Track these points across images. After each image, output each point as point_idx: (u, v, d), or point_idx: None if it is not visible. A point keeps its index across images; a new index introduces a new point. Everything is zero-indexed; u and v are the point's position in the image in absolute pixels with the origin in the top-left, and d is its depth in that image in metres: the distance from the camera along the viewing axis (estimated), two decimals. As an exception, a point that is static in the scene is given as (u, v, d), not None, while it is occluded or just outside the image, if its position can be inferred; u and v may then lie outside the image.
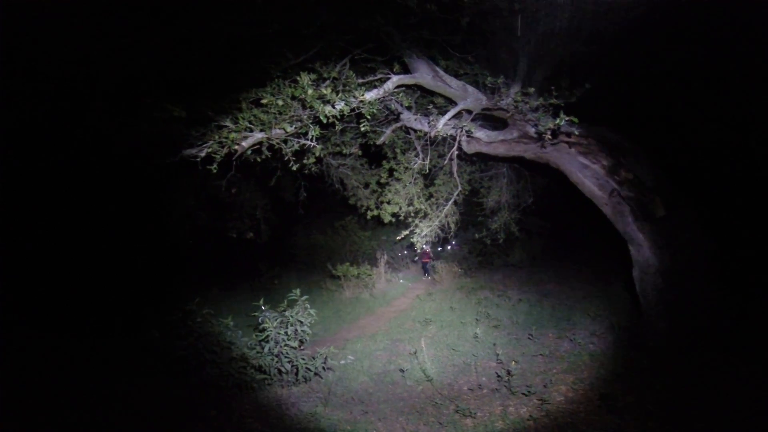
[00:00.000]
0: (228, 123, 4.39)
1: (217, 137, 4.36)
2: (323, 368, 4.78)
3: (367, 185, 9.63)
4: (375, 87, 5.46)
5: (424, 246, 11.49)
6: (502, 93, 6.34)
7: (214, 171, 4.75)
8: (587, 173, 6.43)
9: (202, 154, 4.54)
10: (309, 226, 14.76)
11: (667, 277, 5.46)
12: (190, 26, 3.96)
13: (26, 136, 3.78)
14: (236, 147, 4.54)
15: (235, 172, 9.57)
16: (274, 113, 4.48)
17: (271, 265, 12.80)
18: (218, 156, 4.52)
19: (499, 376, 5.09)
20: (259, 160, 5.19)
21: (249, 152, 5.18)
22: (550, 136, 5.56)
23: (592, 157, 6.31)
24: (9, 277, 4.87)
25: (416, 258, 14.84)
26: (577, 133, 5.64)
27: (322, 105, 4.33)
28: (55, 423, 3.32)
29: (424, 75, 5.97)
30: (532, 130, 6.53)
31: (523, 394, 4.64)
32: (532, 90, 5.97)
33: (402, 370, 5.27)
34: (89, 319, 5.73)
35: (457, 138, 7.57)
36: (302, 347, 4.76)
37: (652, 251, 5.74)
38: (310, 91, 4.18)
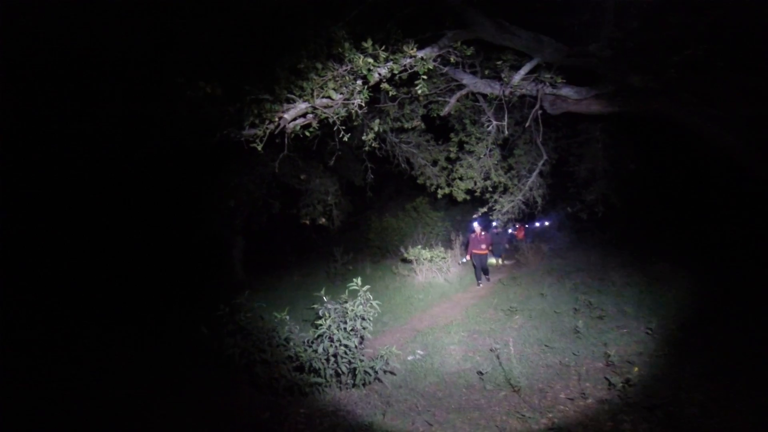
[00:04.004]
0: (265, 95, 3.93)
1: (256, 111, 3.93)
2: (384, 371, 4.18)
3: (435, 162, 8.82)
4: (428, 45, 4.66)
5: (475, 228, 9.56)
6: (588, 39, 5.07)
7: (260, 150, 4.37)
8: (721, 125, 4.85)
9: (244, 132, 4.16)
10: (382, 210, 14.43)
11: None
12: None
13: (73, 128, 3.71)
14: (277, 120, 4.07)
15: (297, 156, 9.45)
16: (315, 79, 3.92)
17: (346, 250, 12.71)
18: (259, 132, 4.10)
19: (610, 382, 4.03)
20: (308, 134, 4.70)
21: (298, 128, 4.70)
22: (660, 83, 4.20)
23: (726, 105, 4.72)
24: (67, 270, 5.20)
25: (464, 257, 10.31)
26: (695, 78, 4.19)
27: (363, 58, 3.66)
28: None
29: (485, 27, 4.96)
30: (635, 79, 5.13)
31: (645, 407, 3.57)
32: (631, 26, 4.61)
33: (480, 373, 4.47)
34: (157, 310, 5.86)
35: (539, 97, 6.39)
36: (362, 345, 4.21)
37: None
38: (346, 45, 3.53)
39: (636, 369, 4.07)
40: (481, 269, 9.67)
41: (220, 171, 8.54)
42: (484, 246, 9.61)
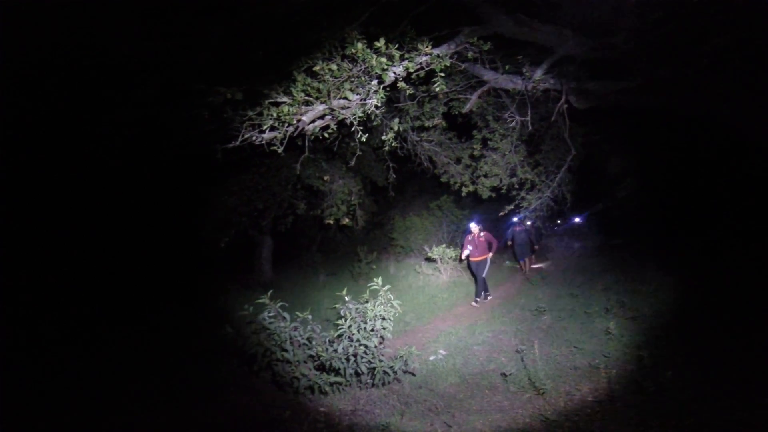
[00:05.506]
0: (284, 98, 4.00)
1: (274, 114, 4.01)
2: (403, 372, 4.17)
3: (458, 160, 8.71)
4: (444, 43, 4.62)
5: (472, 228, 7.92)
6: (612, 31, 4.88)
7: (281, 152, 4.46)
8: (755, 119, 4.52)
9: (264, 135, 4.25)
10: (405, 209, 14.39)
11: None
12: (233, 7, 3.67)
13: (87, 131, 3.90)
14: (295, 122, 4.13)
15: (320, 157, 9.59)
16: (331, 80, 3.96)
17: (370, 249, 12.75)
18: (279, 134, 4.19)
19: (641, 386, 3.85)
20: (326, 136, 4.75)
21: (317, 130, 4.76)
22: (688, 75, 3.99)
23: (761, 98, 4.38)
24: (91, 267, 5.48)
25: (463, 252, 7.88)
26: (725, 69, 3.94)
27: (377, 58, 3.67)
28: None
29: (502, 22, 4.87)
30: (663, 71, 4.89)
31: (675, 414, 3.39)
32: (654, 17, 4.38)
33: (504, 374, 4.37)
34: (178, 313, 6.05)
35: (563, 91, 6.21)
36: (382, 344, 4.21)
37: None
38: (359, 45, 3.55)
39: (669, 373, 3.86)
40: (480, 286, 7.73)
41: (248, 174, 8.78)
42: (480, 251, 7.64)
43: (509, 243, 10.37)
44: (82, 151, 4.28)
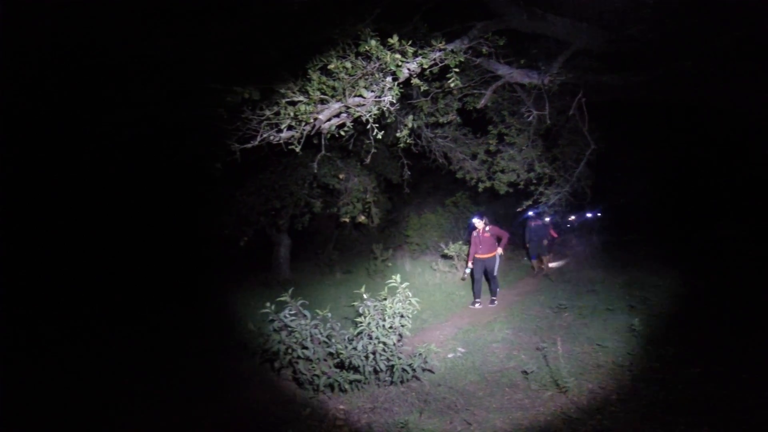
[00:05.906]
0: (300, 97, 4.03)
1: (291, 113, 4.05)
2: (422, 369, 4.16)
3: (474, 156, 8.64)
4: (458, 38, 4.59)
5: (476, 223, 7.29)
6: (627, 23, 4.75)
7: (299, 151, 4.50)
8: None
9: (282, 135, 4.30)
10: (420, 206, 14.35)
11: None
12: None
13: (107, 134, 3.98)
14: (312, 121, 4.16)
15: (335, 156, 9.63)
16: (346, 78, 3.97)
17: (386, 247, 12.76)
18: (296, 133, 4.23)
19: (667, 383, 3.76)
20: (343, 134, 4.76)
21: (333, 128, 4.78)
22: (709, 68, 3.87)
23: None
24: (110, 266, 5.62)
25: (466, 267, 7.48)
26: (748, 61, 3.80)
27: (390, 55, 3.66)
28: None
29: (516, 16, 4.80)
30: (683, 64, 4.74)
31: (703, 411, 3.30)
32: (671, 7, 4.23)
33: (525, 372, 4.32)
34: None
35: (581, 85, 6.10)
36: (401, 342, 4.21)
37: None
38: (373, 42, 3.56)
39: (696, 371, 3.76)
40: (481, 280, 7.26)
41: (265, 173, 8.90)
42: (487, 247, 7.15)
43: (527, 244, 10.10)
44: (84, 151, 4.37)
